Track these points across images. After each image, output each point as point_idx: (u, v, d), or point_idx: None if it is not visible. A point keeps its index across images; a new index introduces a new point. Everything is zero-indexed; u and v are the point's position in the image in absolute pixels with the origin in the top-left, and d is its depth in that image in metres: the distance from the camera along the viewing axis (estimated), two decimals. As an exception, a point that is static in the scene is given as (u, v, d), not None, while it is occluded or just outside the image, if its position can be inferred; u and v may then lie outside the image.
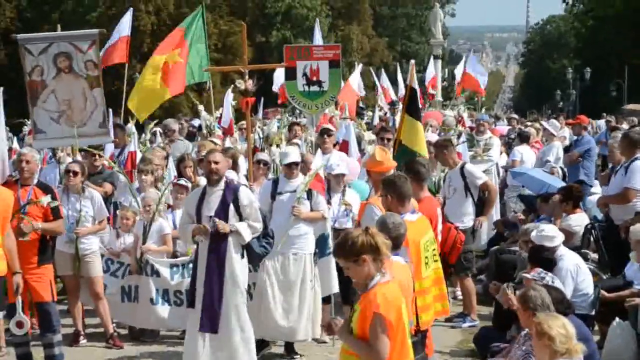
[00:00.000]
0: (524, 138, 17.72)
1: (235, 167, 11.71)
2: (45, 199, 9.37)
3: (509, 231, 13.92)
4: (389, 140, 12.86)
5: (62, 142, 12.77)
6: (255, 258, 9.25)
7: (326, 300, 10.34)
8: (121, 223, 11.03)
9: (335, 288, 10.34)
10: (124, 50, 17.27)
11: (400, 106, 17.47)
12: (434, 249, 8.15)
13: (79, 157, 12.28)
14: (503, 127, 26.25)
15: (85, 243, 10.55)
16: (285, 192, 10.11)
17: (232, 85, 14.54)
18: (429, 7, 67.63)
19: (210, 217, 8.91)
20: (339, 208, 11.07)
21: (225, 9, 58.15)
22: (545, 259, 9.38)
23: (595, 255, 11.64)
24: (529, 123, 25.80)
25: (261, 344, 9.85)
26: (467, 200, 11.65)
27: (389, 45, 79.05)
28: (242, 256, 9.02)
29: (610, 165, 14.69)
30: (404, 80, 26.94)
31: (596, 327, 9.90)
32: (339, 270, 9.20)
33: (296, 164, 10.17)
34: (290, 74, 14.72)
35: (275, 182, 10.31)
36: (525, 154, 16.86)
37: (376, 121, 22.10)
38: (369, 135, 16.30)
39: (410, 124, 10.87)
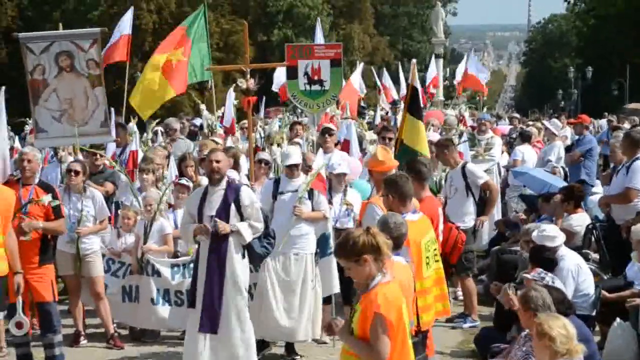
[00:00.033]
0: (525, 137, 17.72)
1: (236, 166, 11.69)
2: (46, 198, 9.36)
3: (510, 231, 13.91)
4: (390, 139, 12.85)
5: (64, 141, 12.77)
6: (256, 258, 9.25)
7: (327, 300, 10.33)
8: (122, 223, 11.03)
9: (336, 288, 10.33)
10: (125, 48, 17.28)
11: (402, 105, 17.44)
12: (435, 249, 8.15)
13: (80, 157, 12.27)
14: (504, 127, 26.22)
15: (86, 243, 10.54)
16: (286, 192, 10.11)
17: (234, 85, 14.54)
18: (431, 6, 67.66)
19: (212, 216, 8.91)
20: (340, 208, 11.05)
21: (227, 7, 58.20)
22: (546, 259, 9.38)
23: (596, 256, 11.63)
24: (530, 122, 25.77)
25: (261, 345, 9.85)
26: (468, 200, 11.64)
27: (391, 44, 79.06)
28: (243, 256, 9.02)
29: (612, 165, 14.68)
30: (406, 79, 26.94)
31: (597, 328, 9.88)
32: (340, 270, 9.21)
33: (297, 165, 10.17)
34: (292, 73, 14.69)
35: (277, 182, 10.31)
36: (527, 154, 16.85)
37: (378, 120, 22.06)
38: (370, 135, 16.28)
39: (412, 124, 10.86)
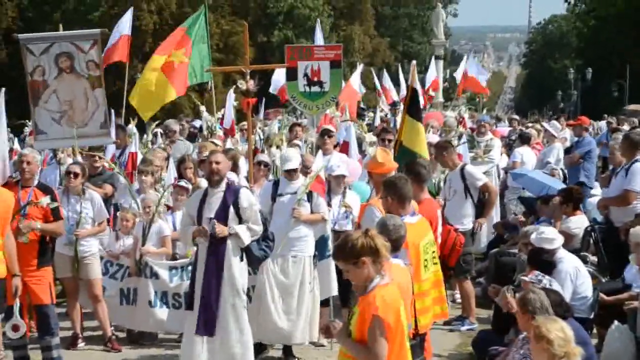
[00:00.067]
0: (524, 139, 17.72)
1: (235, 168, 11.70)
2: (45, 200, 9.36)
3: (509, 233, 13.91)
4: (390, 141, 12.86)
5: (63, 143, 12.76)
6: (254, 261, 9.25)
7: (325, 303, 10.34)
8: (121, 225, 11.03)
9: (335, 291, 10.34)
10: (124, 49, 17.29)
11: (402, 107, 17.45)
12: (433, 252, 8.16)
13: (79, 159, 12.27)
14: (504, 129, 26.22)
15: (84, 245, 10.53)
16: (285, 194, 10.11)
17: (234, 86, 14.54)
18: (431, 7, 67.68)
19: (210, 219, 8.91)
20: (339, 210, 11.06)
21: (227, 8, 58.14)
22: (544, 261, 9.37)
23: (594, 258, 11.64)
24: (529, 124, 25.79)
25: (259, 348, 9.85)
26: (466, 202, 11.64)
27: (391, 45, 79.01)
28: (241, 259, 9.02)
29: (611, 167, 14.68)
30: (406, 80, 26.94)
31: (595, 331, 9.89)
32: (338, 272, 9.22)
33: (295, 170, 10.18)
34: (291, 74, 14.69)
35: (276, 184, 10.31)
36: (526, 155, 16.85)
37: (377, 122, 22.08)
38: (369, 137, 16.28)
39: (411, 125, 10.88)
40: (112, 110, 13.69)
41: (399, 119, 16.13)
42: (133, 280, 10.64)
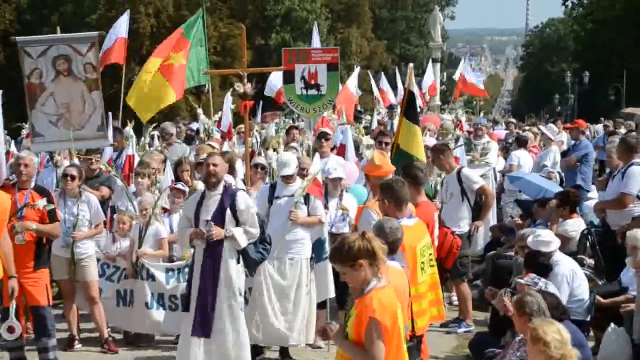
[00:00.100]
0: (521, 142, 17.75)
1: (232, 171, 11.70)
2: (41, 203, 9.37)
3: (506, 236, 13.94)
4: (387, 144, 12.88)
5: (60, 146, 12.74)
6: (251, 264, 9.24)
7: (322, 305, 10.34)
8: (117, 227, 11.04)
9: (332, 293, 10.34)
10: (121, 52, 17.30)
11: (399, 110, 17.48)
12: (430, 254, 8.17)
13: (76, 161, 12.27)
14: (501, 132, 26.25)
15: (81, 247, 10.52)
16: (282, 197, 10.13)
17: (231, 89, 14.55)
18: (429, 10, 67.84)
19: (207, 221, 8.92)
20: (336, 212, 11.06)
21: (225, 11, 58.18)
22: (541, 264, 9.38)
23: (591, 261, 11.64)
24: (526, 127, 25.81)
25: (255, 351, 9.84)
26: (463, 204, 11.65)
27: (388, 48, 79.08)
28: (238, 261, 9.02)
29: (608, 170, 14.70)
30: (403, 83, 26.95)
31: (591, 333, 9.90)
32: (335, 275, 9.22)
33: (292, 175, 10.18)
34: (289, 77, 14.71)
35: (273, 187, 10.33)
36: (523, 159, 16.88)
37: (374, 125, 22.10)
38: (367, 140, 16.30)
39: (408, 128, 10.90)
40: (110, 113, 13.68)
41: (395, 122, 16.17)
42: (129, 282, 10.64)
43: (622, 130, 21.83)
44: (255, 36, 57.65)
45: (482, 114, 32.63)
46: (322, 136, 13.67)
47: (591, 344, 9.31)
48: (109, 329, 10.85)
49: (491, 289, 9.48)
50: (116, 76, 24.58)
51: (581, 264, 10.79)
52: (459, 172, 11.84)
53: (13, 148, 16.95)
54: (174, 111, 39.15)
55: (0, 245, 8.20)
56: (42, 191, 9.71)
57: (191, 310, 8.96)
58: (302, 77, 14.72)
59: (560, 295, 8.81)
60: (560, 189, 13.69)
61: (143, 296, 10.52)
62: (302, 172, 10.87)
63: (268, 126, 18.88)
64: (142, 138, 16.35)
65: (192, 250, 9.33)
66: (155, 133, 16.74)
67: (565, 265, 9.71)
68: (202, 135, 16.43)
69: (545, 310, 7.52)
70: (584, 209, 13.96)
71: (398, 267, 6.89)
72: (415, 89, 11.67)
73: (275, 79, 21.59)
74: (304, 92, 14.51)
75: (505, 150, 20.13)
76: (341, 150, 14.64)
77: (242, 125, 14.76)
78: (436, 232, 9.29)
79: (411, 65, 15.79)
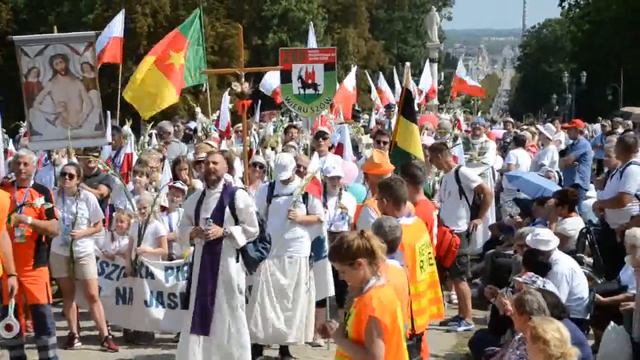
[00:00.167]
0: (519, 142, 17.76)
1: (230, 170, 11.70)
2: (39, 201, 9.37)
3: (505, 235, 13.93)
4: (385, 143, 12.88)
5: (58, 144, 12.75)
6: (251, 262, 9.21)
7: (321, 303, 10.34)
8: (116, 226, 11.03)
9: (331, 291, 10.35)
10: (117, 51, 17.29)
11: (396, 109, 17.47)
12: (429, 253, 8.17)
13: (74, 160, 12.26)
14: (499, 131, 26.28)
15: (80, 246, 10.54)
16: (281, 196, 10.13)
17: (229, 88, 14.54)
18: (426, 11, 67.77)
19: (207, 219, 8.92)
20: (335, 211, 11.07)
21: (222, 11, 58.14)
22: (540, 263, 9.38)
23: (590, 260, 11.66)
24: (524, 127, 25.81)
25: (256, 350, 9.83)
26: (461, 203, 11.65)
27: (385, 48, 79.00)
28: (237, 260, 9.02)
29: (606, 170, 14.71)
30: (401, 83, 26.93)
31: (591, 332, 9.91)
32: (334, 273, 9.21)
33: (289, 179, 10.17)
34: (286, 77, 14.67)
35: (272, 186, 10.33)
36: (521, 158, 16.89)
37: (373, 124, 22.09)
38: (366, 139, 16.29)
39: (406, 126, 10.90)
40: (108, 112, 13.67)
41: (393, 121, 16.16)
42: (129, 280, 10.65)
43: (620, 130, 21.84)
44: (252, 36, 57.64)
45: (479, 114, 32.59)
46: (319, 135, 13.66)
47: (591, 342, 9.32)
48: (108, 327, 10.85)
49: (491, 287, 9.47)
50: (114, 75, 24.53)
51: (580, 262, 10.80)
52: (457, 170, 11.84)
53: (11, 146, 16.94)
54: (172, 110, 39.16)
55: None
56: (41, 189, 9.71)
57: (190, 308, 8.96)
58: (299, 77, 14.66)
59: (559, 294, 8.81)
60: (559, 188, 13.69)
61: (142, 294, 10.52)
62: (300, 171, 10.86)
63: (266, 125, 18.86)
64: (141, 137, 16.34)
65: (191, 248, 9.33)
66: (154, 132, 16.74)
67: (564, 263, 9.72)
68: (200, 134, 16.42)
69: (545, 308, 7.52)
70: (583, 208, 13.98)
71: (397, 266, 6.89)
72: (414, 88, 11.65)
73: (271, 78, 21.58)
74: (301, 91, 14.44)
75: (503, 150, 20.14)
76: (339, 149, 14.64)
77: (240, 125, 14.76)
78: (435, 230, 9.28)
79: (408, 64, 15.84)
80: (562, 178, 15.70)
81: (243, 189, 9.72)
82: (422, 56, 69.25)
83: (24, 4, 54.15)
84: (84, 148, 12.95)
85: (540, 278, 8.84)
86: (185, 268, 10.11)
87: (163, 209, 11.32)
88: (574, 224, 12.11)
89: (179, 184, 11.43)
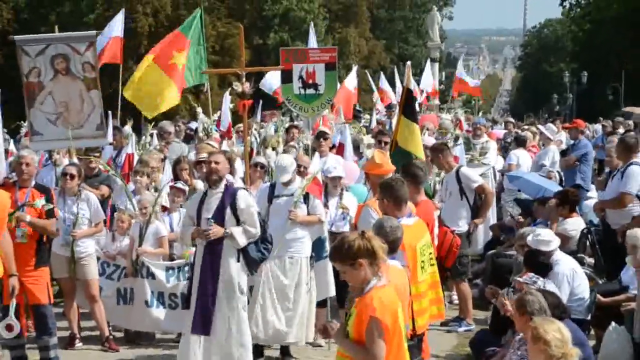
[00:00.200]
0: (520, 142, 17.76)
1: (231, 170, 11.69)
2: (40, 202, 9.38)
3: (505, 235, 13.93)
4: (386, 143, 12.88)
5: (59, 144, 12.75)
6: (252, 263, 9.21)
7: (322, 303, 10.34)
8: (117, 226, 11.04)
9: (332, 292, 10.35)
10: (117, 51, 17.28)
11: (397, 109, 17.46)
12: (430, 253, 8.16)
13: (75, 160, 12.27)
14: (500, 131, 26.28)
15: (81, 246, 10.53)
16: (282, 196, 10.13)
17: (230, 88, 14.53)
18: (427, 10, 67.70)
19: (208, 219, 8.92)
20: (336, 211, 11.06)
21: (224, 11, 58.14)
22: (541, 263, 9.38)
23: (591, 260, 11.66)
24: (525, 127, 25.81)
25: (257, 350, 9.82)
26: (462, 203, 11.64)
27: (386, 48, 78.97)
28: (238, 260, 9.01)
29: (607, 170, 14.71)
30: (402, 82, 26.91)
31: (592, 332, 9.91)
32: (335, 273, 9.21)
33: (290, 180, 10.17)
34: (286, 77, 14.67)
35: (273, 186, 10.33)
36: (522, 158, 16.89)
37: (373, 124, 22.09)
38: (367, 139, 16.29)
39: (407, 126, 10.90)
40: (109, 112, 13.67)
41: (394, 121, 16.15)
42: (130, 280, 10.65)
43: (621, 130, 21.84)
44: (253, 36, 57.63)
45: (480, 114, 32.63)
46: (320, 135, 13.66)
47: (592, 342, 9.32)
48: (109, 327, 10.86)
49: (491, 287, 9.45)
50: (115, 75, 24.55)
51: (581, 262, 10.80)
52: (458, 171, 11.84)
53: (12, 147, 16.95)
54: (173, 110, 39.15)
55: (0, 244, 8.20)
56: (42, 190, 9.72)
57: (191, 308, 8.96)
58: (300, 77, 14.66)
59: (560, 294, 8.80)
60: (560, 188, 13.69)
61: (143, 294, 10.52)
62: (301, 171, 10.86)
63: (267, 125, 18.86)
64: (143, 137, 16.34)
65: (193, 248, 9.34)
66: (155, 132, 16.73)
67: (565, 264, 9.71)
68: (201, 134, 16.41)
69: (546, 309, 7.51)
70: (584, 208, 13.97)
71: (398, 266, 6.89)
72: (416, 87, 11.65)
73: (271, 78, 21.58)
74: (302, 91, 14.44)
75: (504, 150, 20.14)
76: (340, 150, 14.63)
77: (241, 125, 14.76)
78: (436, 231, 9.28)
79: (409, 63, 15.81)
80: (563, 178, 15.71)
81: (244, 189, 9.72)
82: (423, 56, 69.24)
83: (25, 3, 54.14)
84: (85, 148, 12.95)
85: (541, 278, 8.84)
86: (186, 268, 10.13)
87: (164, 209, 11.32)
88: (575, 225, 12.11)
89: (179, 184, 11.43)
